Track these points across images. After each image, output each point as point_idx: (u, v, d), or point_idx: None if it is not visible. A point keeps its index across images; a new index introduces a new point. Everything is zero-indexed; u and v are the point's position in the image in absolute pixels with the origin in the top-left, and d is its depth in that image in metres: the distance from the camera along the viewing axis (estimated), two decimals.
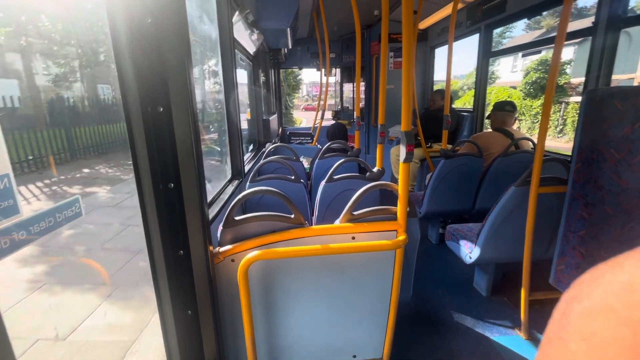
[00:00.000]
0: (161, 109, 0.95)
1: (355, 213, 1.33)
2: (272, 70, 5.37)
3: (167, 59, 0.93)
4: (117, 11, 0.88)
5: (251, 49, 3.32)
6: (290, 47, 4.54)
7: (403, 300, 1.53)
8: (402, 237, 1.27)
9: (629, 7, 2.07)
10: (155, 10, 0.90)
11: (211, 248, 1.18)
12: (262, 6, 3.10)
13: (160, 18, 0.90)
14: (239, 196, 1.31)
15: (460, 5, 3.58)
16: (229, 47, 2.18)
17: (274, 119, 4.82)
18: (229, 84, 2.24)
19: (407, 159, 1.24)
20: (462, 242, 2.23)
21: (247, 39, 3.11)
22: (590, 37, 2.23)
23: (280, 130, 5.83)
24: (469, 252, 2.16)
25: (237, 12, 2.32)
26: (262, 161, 2.30)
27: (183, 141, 0.99)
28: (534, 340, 1.90)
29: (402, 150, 1.24)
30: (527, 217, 1.77)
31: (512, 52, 3.42)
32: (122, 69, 0.91)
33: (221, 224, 1.27)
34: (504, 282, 2.37)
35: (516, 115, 3.00)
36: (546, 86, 1.61)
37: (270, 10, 3.11)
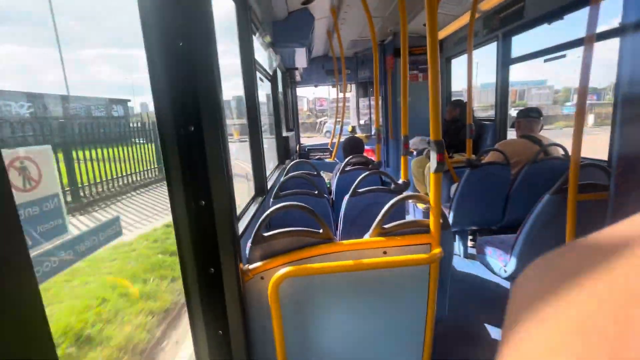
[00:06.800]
0: (192, 129, 0.97)
1: (385, 227, 1.29)
2: (289, 89, 5.48)
3: (199, 80, 0.95)
4: (151, 33, 0.92)
5: (269, 68, 3.42)
6: (306, 66, 4.63)
7: (439, 317, 1.45)
8: (437, 250, 1.22)
9: None
10: (186, 34, 0.93)
11: (241, 265, 1.16)
12: (279, 28, 3.20)
13: (191, 41, 0.94)
14: (268, 211, 1.30)
15: (476, 15, 3.56)
16: (250, 67, 2.24)
17: (292, 135, 4.88)
18: (251, 104, 2.28)
19: (438, 169, 1.20)
20: (496, 255, 2.12)
21: (264, 59, 3.21)
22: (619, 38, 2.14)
23: (298, 146, 5.88)
24: (504, 265, 2.04)
25: (257, 34, 2.40)
26: (286, 177, 2.30)
27: (214, 159, 1.00)
28: None
29: (433, 160, 1.21)
30: (566, 226, 1.67)
31: (534, 57, 3.32)
32: (157, 89, 0.94)
33: (250, 241, 1.26)
34: None
35: (542, 122, 2.90)
36: (578, 89, 1.54)
37: (287, 32, 3.21)
